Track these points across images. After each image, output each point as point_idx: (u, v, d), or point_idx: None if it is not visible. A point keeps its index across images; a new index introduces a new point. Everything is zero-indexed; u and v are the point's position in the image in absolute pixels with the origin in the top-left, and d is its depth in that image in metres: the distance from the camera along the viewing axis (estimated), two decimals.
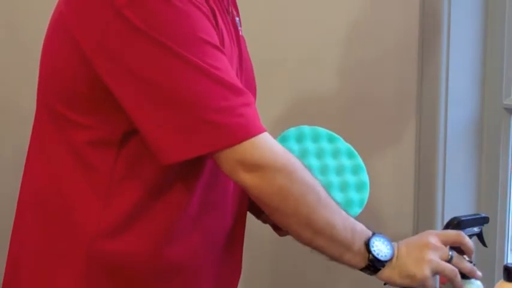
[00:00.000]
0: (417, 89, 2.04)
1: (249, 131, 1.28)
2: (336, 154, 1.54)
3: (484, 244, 1.89)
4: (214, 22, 1.32)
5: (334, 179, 1.52)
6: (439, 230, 1.49)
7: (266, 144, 1.30)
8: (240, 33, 1.49)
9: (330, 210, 1.34)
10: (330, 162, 1.53)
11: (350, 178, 1.53)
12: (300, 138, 1.54)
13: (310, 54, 2.17)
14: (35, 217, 1.42)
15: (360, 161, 1.56)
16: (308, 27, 2.16)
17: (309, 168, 1.42)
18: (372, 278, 1.34)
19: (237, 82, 1.31)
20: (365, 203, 1.53)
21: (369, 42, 2.10)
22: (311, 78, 2.19)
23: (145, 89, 1.27)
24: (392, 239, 1.32)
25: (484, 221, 1.88)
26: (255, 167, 1.29)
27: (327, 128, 1.59)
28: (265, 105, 2.14)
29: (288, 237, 1.60)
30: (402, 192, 2.09)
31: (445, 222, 1.88)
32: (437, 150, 2.03)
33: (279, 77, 2.19)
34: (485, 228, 1.89)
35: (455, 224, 1.82)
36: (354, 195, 1.52)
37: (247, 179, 1.29)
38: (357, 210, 1.51)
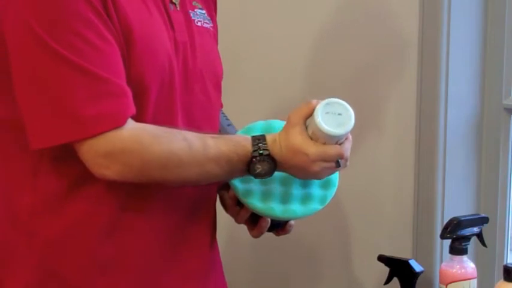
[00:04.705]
0: (417, 89, 2.04)
1: (103, 124, 1.31)
2: None
3: (483, 244, 1.89)
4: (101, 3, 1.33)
5: None
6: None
7: (115, 135, 1.32)
8: (199, 24, 1.52)
9: (196, 165, 1.37)
10: None
11: None
12: (267, 132, 1.52)
13: (309, 53, 2.17)
14: None
15: None
16: (307, 26, 2.16)
17: None
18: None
19: (107, 71, 1.32)
20: (328, 200, 1.50)
21: (368, 41, 2.10)
22: (309, 78, 2.18)
23: (23, 72, 1.32)
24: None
25: (483, 221, 1.88)
26: (108, 156, 1.32)
27: None
28: (263, 106, 2.14)
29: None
30: (402, 192, 2.09)
31: (445, 222, 1.88)
32: (437, 150, 2.03)
33: (276, 75, 2.19)
34: (485, 228, 1.89)
35: (455, 224, 1.82)
36: (316, 191, 1.50)
37: (104, 169, 1.33)
38: (317, 207, 1.50)
